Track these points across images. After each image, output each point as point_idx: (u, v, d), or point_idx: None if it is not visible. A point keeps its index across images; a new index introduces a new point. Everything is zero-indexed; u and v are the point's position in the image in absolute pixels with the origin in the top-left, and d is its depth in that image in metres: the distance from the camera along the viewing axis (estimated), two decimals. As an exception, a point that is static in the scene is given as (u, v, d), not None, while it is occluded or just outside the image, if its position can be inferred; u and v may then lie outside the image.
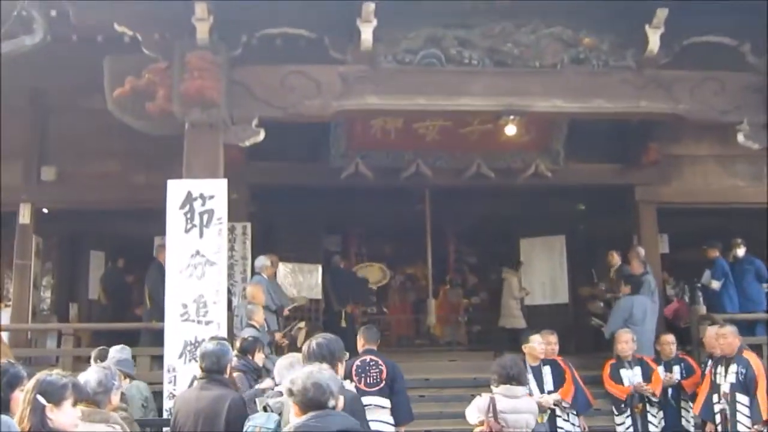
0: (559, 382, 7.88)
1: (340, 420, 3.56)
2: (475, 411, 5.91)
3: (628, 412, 8.50)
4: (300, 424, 3.51)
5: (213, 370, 5.30)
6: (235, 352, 7.00)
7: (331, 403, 3.59)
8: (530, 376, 7.57)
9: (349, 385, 5.29)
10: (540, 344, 7.83)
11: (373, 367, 7.48)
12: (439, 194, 13.78)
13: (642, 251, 11.56)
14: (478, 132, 12.32)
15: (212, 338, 5.78)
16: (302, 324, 11.01)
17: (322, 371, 3.71)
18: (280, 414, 4.79)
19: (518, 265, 14.16)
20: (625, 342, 8.76)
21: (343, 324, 12.83)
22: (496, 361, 6.05)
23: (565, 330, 14.18)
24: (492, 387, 5.94)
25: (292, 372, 5.17)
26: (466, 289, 17.88)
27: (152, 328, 9.98)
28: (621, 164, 12.61)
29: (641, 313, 10.35)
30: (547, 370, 7.86)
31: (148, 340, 10.24)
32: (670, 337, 9.26)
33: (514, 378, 5.86)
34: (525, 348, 7.86)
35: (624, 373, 8.63)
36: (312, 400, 3.57)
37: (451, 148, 12.51)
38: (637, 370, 8.65)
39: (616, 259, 12.18)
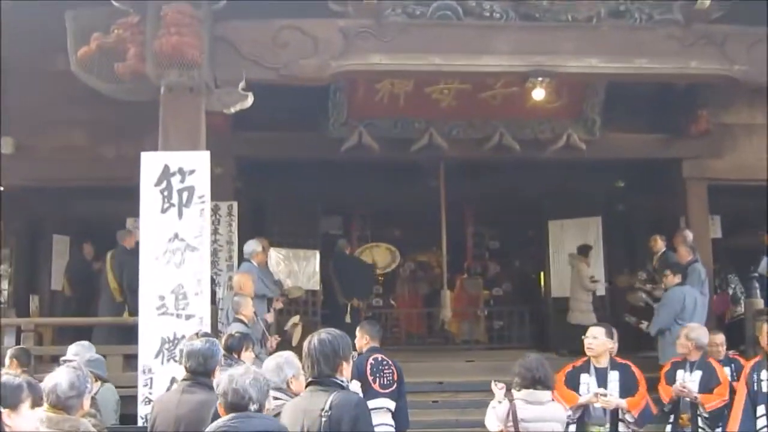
0: (626, 392, 7.23)
1: (259, 422, 4.12)
2: (493, 419, 5.93)
3: (671, 419, 8.21)
4: (220, 425, 4.12)
5: (198, 371, 5.32)
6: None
7: (252, 407, 4.15)
8: (592, 379, 7.27)
9: (356, 387, 5.27)
10: (589, 339, 7.31)
11: (386, 367, 7.52)
12: (455, 169, 13.74)
13: (690, 235, 11.56)
14: (501, 97, 12.30)
15: (198, 335, 5.81)
16: (297, 319, 11.03)
17: (245, 375, 4.21)
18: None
19: (587, 249, 14.07)
20: (685, 339, 8.32)
21: (348, 319, 12.87)
22: (519, 362, 6.05)
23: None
24: (513, 391, 5.95)
25: (281, 375, 5.21)
26: (486, 278, 17.93)
27: (106, 323, 10.03)
28: (666, 135, 12.58)
29: (692, 305, 10.36)
30: (614, 376, 7.30)
31: (104, 336, 10.29)
32: (719, 338, 8.98)
33: (540, 381, 5.88)
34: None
35: (679, 374, 8.23)
36: (232, 404, 4.17)
37: (470, 115, 12.49)
38: (697, 374, 8.15)
39: (660, 244, 12.17)
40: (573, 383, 7.29)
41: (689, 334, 8.37)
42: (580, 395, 7.18)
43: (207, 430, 4.18)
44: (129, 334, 8.43)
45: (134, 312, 9.15)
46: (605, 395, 7.07)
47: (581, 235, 14.59)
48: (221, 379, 4.29)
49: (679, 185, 12.57)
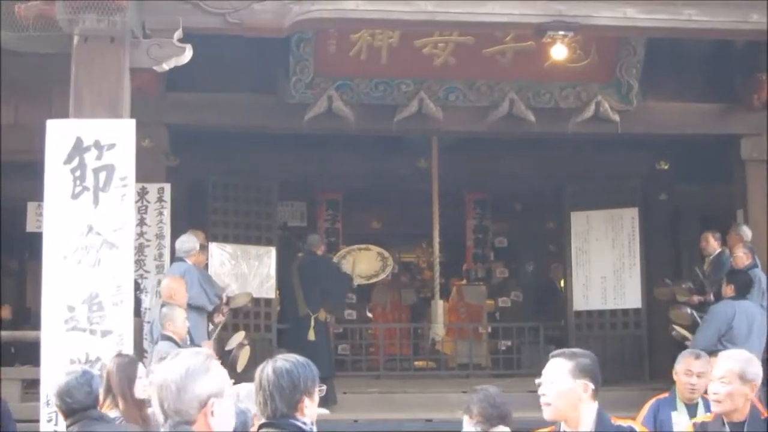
0: None
1: None
2: None
3: None
4: None
5: (88, 405, 5.60)
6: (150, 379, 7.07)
7: None
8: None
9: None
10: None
11: None
12: (452, 145, 13.81)
13: (748, 233, 11.68)
14: (512, 53, 12.38)
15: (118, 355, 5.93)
16: (242, 336, 11.01)
17: None
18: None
19: None
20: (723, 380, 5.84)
21: (312, 336, 12.83)
22: (478, 396, 6.12)
23: (636, 348, 14.41)
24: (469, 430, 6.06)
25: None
26: (491, 285, 18.02)
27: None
28: (721, 105, 12.67)
29: (746, 326, 10.38)
30: None
31: None
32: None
33: (505, 418, 6.00)
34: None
35: None
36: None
37: (472, 76, 12.57)
38: None
39: (713, 244, 12.21)
40: None
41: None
42: None
43: None
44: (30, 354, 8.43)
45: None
46: None
47: (612, 232, 14.72)
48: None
49: (737, 169, 12.66)
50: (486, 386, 6.24)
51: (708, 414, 6.33)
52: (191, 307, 9.80)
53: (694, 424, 6.24)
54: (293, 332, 13.19)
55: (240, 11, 8.88)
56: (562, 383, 4.83)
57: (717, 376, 5.91)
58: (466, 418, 6.01)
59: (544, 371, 4.93)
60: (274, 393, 4.46)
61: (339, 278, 13.93)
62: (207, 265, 11.84)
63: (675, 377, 7.36)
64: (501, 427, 5.92)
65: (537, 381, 4.95)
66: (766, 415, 5.99)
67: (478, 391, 6.12)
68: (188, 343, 9.31)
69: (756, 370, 5.84)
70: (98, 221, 8.10)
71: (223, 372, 3.63)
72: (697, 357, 7.27)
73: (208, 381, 3.52)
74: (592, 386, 4.82)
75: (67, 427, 5.67)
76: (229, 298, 11.73)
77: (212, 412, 3.48)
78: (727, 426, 5.80)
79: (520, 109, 12.42)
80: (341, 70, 12.39)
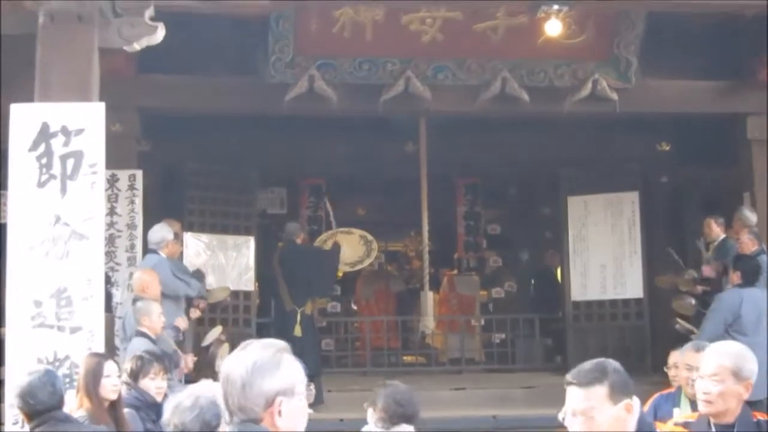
0: None
1: None
2: None
3: None
4: None
5: (52, 406, 5.65)
6: (124, 378, 7.03)
7: None
8: None
9: None
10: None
11: None
12: (441, 126, 13.74)
13: (753, 218, 11.67)
14: (504, 29, 12.33)
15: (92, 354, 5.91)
16: (219, 331, 10.96)
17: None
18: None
19: None
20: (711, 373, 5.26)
21: (298, 332, 12.76)
22: (385, 391, 6.11)
23: (637, 340, 14.40)
24: (372, 427, 6.08)
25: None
26: (483, 274, 18.03)
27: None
28: (725, 82, 12.67)
29: (755, 314, 10.30)
30: None
31: None
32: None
33: (410, 419, 6.02)
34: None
35: None
36: None
37: (461, 54, 12.54)
38: None
39: (715, 230, 12.24)
40: None
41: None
42: None
43: None
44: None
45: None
46: None
47: (612, 217, 14.72)
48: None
49: (743, 149, 12.67)
50: (397, 382, 6.23)
51: (692, 413, 5.84)
52: (165, 297, 9.78)
53: (676, 425, 5.57)
54: (278, 327, 13.05)
55: (216, -13, 8.84)
56: (605, 413, 4.10)
57: (707, 374, 5.28)
58: (369, 411, 6.05)
59: (572, 404, 4.16)
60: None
61: (324, 262, 13.78)
62: (182, 254, 11.77)
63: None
64: (405, 426, 5.94)
65: (560, 416, 4.20)
66: (758, 417, 5.33)
67: (388, 385, 6.13)
68: (162, 337, 9.28)
69: (752, 366, 5.23)
70: (66, 211, 8.02)
71: (297, 368, 3.51)
72: (698, 350, 6.87)
73: (277, 377, 3.42)
74: (632, 403, 4.12)
75: (32, 429, 5.66)
76: (207, 294, 11.71)
77: (280, 412, 3.39)
78: (713, 428, 5.25)
79: (513, 88, 12.38)
80: (323, 49, 12.34)
